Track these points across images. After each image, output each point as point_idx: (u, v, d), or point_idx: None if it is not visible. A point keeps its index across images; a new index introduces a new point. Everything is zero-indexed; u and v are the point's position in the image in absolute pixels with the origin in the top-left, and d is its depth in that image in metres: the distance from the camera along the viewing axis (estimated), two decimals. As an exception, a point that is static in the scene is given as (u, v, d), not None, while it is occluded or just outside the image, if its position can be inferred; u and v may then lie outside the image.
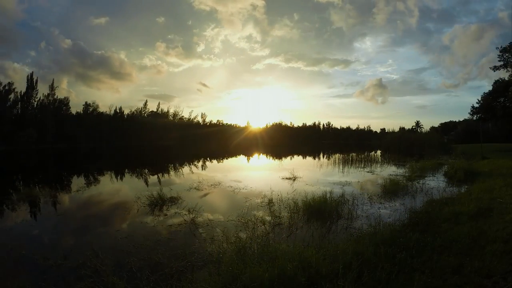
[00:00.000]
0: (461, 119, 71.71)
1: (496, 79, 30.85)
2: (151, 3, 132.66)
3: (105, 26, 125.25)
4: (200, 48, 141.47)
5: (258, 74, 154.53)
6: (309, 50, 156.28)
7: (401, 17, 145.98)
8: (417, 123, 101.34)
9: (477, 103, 32.17)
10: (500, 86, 29.13)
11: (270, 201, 7.94)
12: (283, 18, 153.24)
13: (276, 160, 27.72)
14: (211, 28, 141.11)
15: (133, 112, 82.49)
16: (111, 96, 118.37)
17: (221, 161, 26.76)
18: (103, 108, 75.40)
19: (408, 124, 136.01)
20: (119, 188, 11.73)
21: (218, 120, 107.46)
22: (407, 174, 13.59)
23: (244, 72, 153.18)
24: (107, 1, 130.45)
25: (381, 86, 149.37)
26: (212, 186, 11.09)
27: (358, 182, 11.88)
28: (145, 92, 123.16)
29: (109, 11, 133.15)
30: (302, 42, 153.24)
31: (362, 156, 26.54)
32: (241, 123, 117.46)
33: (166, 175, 15.46)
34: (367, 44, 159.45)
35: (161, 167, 20.43)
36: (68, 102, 67.30)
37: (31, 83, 61.15)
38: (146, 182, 13.19)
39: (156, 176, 15.28)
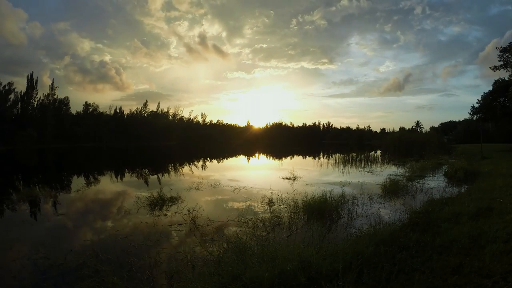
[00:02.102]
0: (461, 119, 71.75)
1: (496, 78, 30.88)
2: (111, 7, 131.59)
3: (75, 29, 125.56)
4: (172, 51, 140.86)
5: (244, 74, 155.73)
6: (292, 48, 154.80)
7: (396, 14, 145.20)
8: (417, 123, 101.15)
9: (477, 103, 32.17)
10: (500, 86, 29.12)
11: (270, 201, 7.95)
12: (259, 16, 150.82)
13: (276, 160, 27.73)
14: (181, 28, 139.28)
15: (133, 112, 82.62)
16: (94, 96, 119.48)
17: (221, 161, 26.76)
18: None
19: (408, 124, 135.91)
20: (119, 188, 11.73)
21: (218, 120, 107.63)
22: (407, 174, 13.58)
23: (228, 73, 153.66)
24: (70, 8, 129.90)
25: (377, 85, 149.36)
26: (212, 186, 11.09)
27: (358, 182, 11.87)
28: (129, 92, 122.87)
29: (70, 17, 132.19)
30: (279, 40, 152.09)
31: (362, 156, 26.53)
32: (241, 123, 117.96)
33: (166, 175, 15.46)
34: (361, 43, 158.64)
35: (161, 167, 20.44)
36: (68, 102, 67.49)
37: (31, 83, 61.19)
38: (146, 182, 13.19)
39: (156, 176, 15.28)
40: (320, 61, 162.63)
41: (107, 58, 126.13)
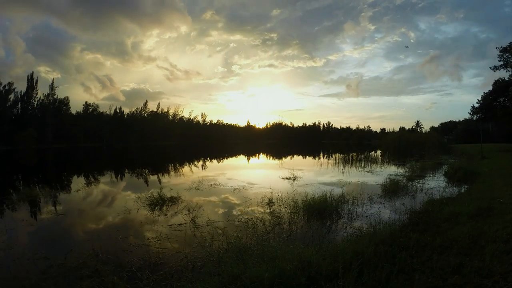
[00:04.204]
0: (461, 119, 71.69)
1: (496, 78, 30.84)
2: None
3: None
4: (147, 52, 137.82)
5: (226, 71, 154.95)
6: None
7: (389, 10, 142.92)
8: (417, 123, 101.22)
9: (477, 103, 32.13)
10: (500, 86, 29.09)
11: (270, 201, 7.94)
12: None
13: (276, 160, 27.73)
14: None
15: (133, 112, 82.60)
16: (80, 96, 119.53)
17: (221, 161, 26.76)
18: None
19: (408, 124, 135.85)
20: (119, 187, 11.73)
21: (218, 120, 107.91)
22: (407, 174, 13.58)
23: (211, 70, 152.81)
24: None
25: (372, 84, 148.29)
26: (212, 186, 11.09)
27: (358, 182, 11.87)
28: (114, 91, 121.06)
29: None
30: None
31: (362, 156, 26.54)
32: (240, 123, 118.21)
33: (166, 175, 15.46)
34: (344, 40, 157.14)
35: (161, 167, 20.43)
36: (68, 102, 67.40)
37: (31, 83, 61.18)
38: (146, 182, 13.20)
39: (156, 176, 15.28)
40: (302, 57, 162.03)
41: (89, 57, 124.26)
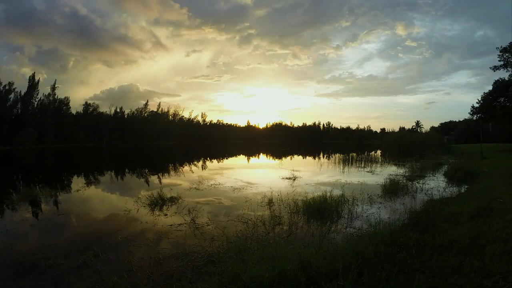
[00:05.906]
0: (461, 119, 71.64)
1: (496, 78, 30.83)
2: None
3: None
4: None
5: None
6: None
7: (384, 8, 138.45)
8: (417, 123, 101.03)
9: (477, 103, 32.10)
10: (500, 86, 29.06)
11: (270, 201, 7.94)
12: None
13: (276, 160, 27.73)
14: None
15: (133, 112, 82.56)
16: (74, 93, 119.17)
17: (221, 161, 26.76)
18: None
19: (408, 124, 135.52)
20: (119, 188, 11.73)
21: (218, 120, 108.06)
22: (407, 174, 13.58)
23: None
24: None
25: (368, 84, 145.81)
26: (212, 186, 11.09)
27: (358, 182, 11.87)
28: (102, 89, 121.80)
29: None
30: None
31: (362, 156, 26.54)
32: (240, 123, 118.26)
33: (166, 175, 15.46)
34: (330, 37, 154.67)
35: (161, 167, 20.44)
36: (68, 102, 67.23)
37: (32, 83, 61.14)
38: (146, 182, 13.20)
39: (156, 176, 15.28)
40: (286, 54, 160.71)
41: (76, 58, 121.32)
